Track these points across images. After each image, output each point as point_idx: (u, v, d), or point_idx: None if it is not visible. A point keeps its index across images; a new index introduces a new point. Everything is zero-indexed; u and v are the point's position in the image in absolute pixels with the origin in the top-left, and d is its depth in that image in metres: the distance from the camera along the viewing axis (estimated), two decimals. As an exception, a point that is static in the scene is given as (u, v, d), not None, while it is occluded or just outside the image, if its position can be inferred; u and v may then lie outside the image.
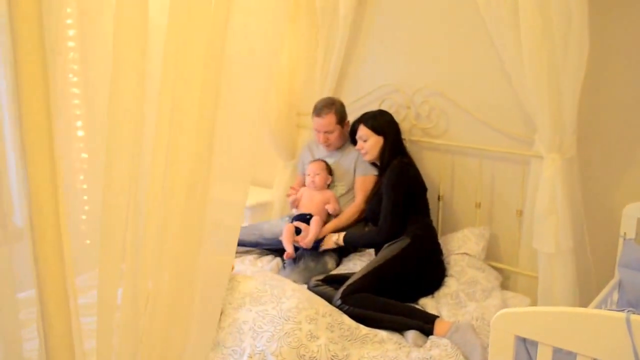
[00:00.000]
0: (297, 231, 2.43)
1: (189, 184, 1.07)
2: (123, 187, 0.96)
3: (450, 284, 2.13)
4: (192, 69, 1.04)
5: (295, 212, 2.58)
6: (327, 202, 2.49)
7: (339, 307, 1.88)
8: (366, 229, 2.42)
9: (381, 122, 2.30)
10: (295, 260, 2.41)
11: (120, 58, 0.92)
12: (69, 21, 2.41)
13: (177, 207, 1.06)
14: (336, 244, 2.34)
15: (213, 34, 1.04)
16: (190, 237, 1.10)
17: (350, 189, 2.55)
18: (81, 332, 0.92)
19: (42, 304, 0.84)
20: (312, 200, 2.52)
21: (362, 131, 2.32)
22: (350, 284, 1.96)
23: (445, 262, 2.24)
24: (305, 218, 2.47)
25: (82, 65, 2.40)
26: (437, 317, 1.87)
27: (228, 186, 1.18)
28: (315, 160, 2.59)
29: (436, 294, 2.12)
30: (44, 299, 0.83)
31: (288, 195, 2.64)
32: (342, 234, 2.33)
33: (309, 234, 2.38)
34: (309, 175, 2.54)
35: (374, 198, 2.32)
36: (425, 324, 1.83)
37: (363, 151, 2.34)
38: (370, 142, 2.30)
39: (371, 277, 2.00)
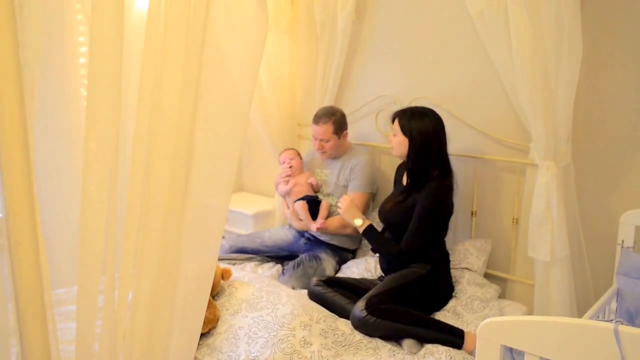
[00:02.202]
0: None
1: (168, 191, 1.08)
2: (101, 196, 0.98)
3: (449, 302, 2.12)
4: (171, 76, 1.06)
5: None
6: (309, 179, 2.63)
7: (363, 319, 1.83)
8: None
9: (412, 124, 2.08)
10: (294, 266, 2.43)
11: (95, 64, 0.95)
12: (80, 39, 2.51)
13: (157, 213, 1.08)
14: (356, 227, 2.17)
15: (192, 37, 1.06)
16: (171, 243, 1.12)
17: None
18: (57, 340, 0.93)
19: (18, 314, 0.86)
20: (300, 184, 2.61)
21: (395, 125, 2.15)
22: (375, 296, 1.92)
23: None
24: (316, 201, 2.54)
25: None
26: (463, 330, 1.85)
27: (210, 192, 1.19)
28: (285, 150, 2.71)
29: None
30: (20, 309, 0.85)
31: (284, 179, 2.67)
32: (367, 222, 2.16)
33: (319, 217, 2.48)
34: (283, 163, 2.64)
35: (398, 206, 2.14)
36: (457, 338, 1.82)
37: (391, 145, 2.20)
38: (396, 140, 2.14)
39: (394, 293, 1.97)
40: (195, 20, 1.10)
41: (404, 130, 2.09)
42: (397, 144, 2.13)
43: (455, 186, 2.13)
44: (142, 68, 1.06)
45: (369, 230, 2.16)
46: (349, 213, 2.19)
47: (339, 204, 2.24)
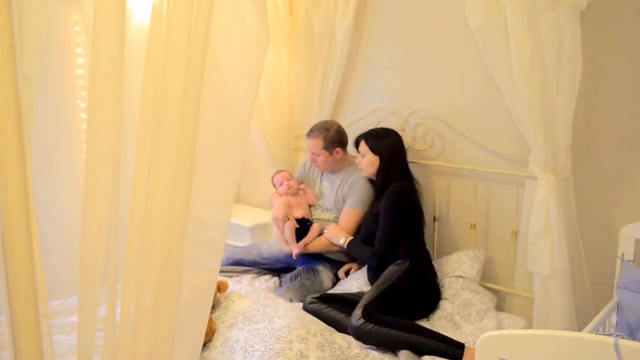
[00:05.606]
0: (297, 231, 2.51)
1: (170, 204, 1.08)
2: (103, 206, 0.97)
3: (445, 307, 2.11)
4: (172, 90, 1.06)
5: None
6: (308, 201, 2.63)
7: (361, 326, 1.83)
8: None
9: (380, 143, 2.30)
10: (291, 278, 2.42)
11: (96, 75, 0.95)
12: (78, 50, 2.53)
13: (158, 226, 1.07)
14: (340, 245, 2.35)
15: (193, 50, 1.07)
16: (172, 256, 1.11)
17: (338, 217, 2.54)
18: (54, 352, 0.93)
19: (12, 326, 0.85)
20: (300, 206, 2.60)
21: (362, 147, 2.34)
22: (368, 304, 1.93)
23: (440, 285, 2.22)
24: (307, 225, 2.53)
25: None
26: (463, 343, 1.84)
27: (211, 205, 1.19)
28: (279, 172, 2.70)
29: (431, 316, 2.10)
30: (14, 322, 0.85)
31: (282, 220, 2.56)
32: (350, 238, 2.33)
33: (305, 238, 2.48)
34: (281, 185, 2.62)
35: (369, 218, 2.32)
36: (456, 348, 1.81)
37: (360, 166, 2.37)
38: (366, 160, 2.32)
39: (386, 296, 2.00)
40: (196, 35, 1.10)
41: (374, 150, 2.30)
42: (368, 164, 2.32)
43: (419, 190, 2.31)
44: (144, 80, 1.06)
45: (350, 243, 2.33)
46: (335, 236, 2.39)
47: (325, 232, 2.43)
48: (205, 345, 1.82)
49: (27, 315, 0.90)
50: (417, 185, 2.33)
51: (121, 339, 1.09)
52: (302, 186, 2.68)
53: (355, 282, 2.36)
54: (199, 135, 1.14)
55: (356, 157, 2.66)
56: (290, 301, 2.25)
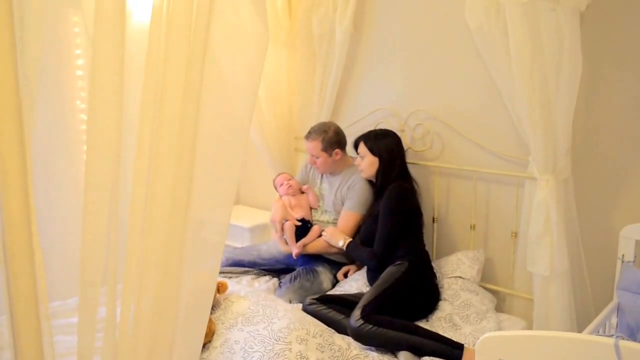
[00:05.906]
0: (297, 232, 2.51)
1: (170, 204, 1.08)
2: (103, 209, 0.97)
3: (444, 308, 2.11)
4: (172, 90, 1.06)
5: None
6: (309, 201, 2.63)
7: (359, 327, 1.83)
8: None
9: (379, 144, 2.31)
10: (291, 279, 2.42)
11: (97, 80, 0.95)
12: (77, 51, 2.53)
13: (158, 227, 1.07)
14: (339, 247, 2.36)
15: (193, 51, 1.07)
16: (172, 257, 1.11)
17: (337, 219, 2.54)
18: (54, 353, 0.93)
19: (13, 327, 0.85)
20: (300, 206, 2.60)
21: (361, 149, 2.36)
22: (367, 305, 1.93)
23: (439, 285, 2.22)
24: (307, 226, 2.53)
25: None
26: (462, 344, 1.84)
27: (211, 206, 1.19)
28: (279, 174, 2.72)
29: (430, 317, 2.10)
30: (14, 322, 0.85)
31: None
32: (349, 240, 2.34)
33: (302, 240, 2.48)
34: (281, 185, 2.63)
35: (368, 219, 2.33)
36: (455, 349, 1.81)
37: (359, 168, 2.38)
38: (366, 161, 2.33)
39: (384, 298, 2.00)
40: (196, 35, 1.11)
41: (373, 151, 2.32)
42: (368, 165, 2.33)
43: (417, 191, 2.32)
44: (144, 81, 1.07)
45: (349, 245, 2.33)
46: (334, 238, 2.39)
47: (324, 234, 2.43)
48: (204, 346, 1.82)
49: (28, 316, 0.90)
50: (416, 186, 2.34)
51: (121, 339, 1.09)
52: (305, 187, 2.67)
53: (355, 283, 2.36)
54: (199, 135, 1.14)
55: (356, 158, 2.66)
56: (290, 302, 2.24)
